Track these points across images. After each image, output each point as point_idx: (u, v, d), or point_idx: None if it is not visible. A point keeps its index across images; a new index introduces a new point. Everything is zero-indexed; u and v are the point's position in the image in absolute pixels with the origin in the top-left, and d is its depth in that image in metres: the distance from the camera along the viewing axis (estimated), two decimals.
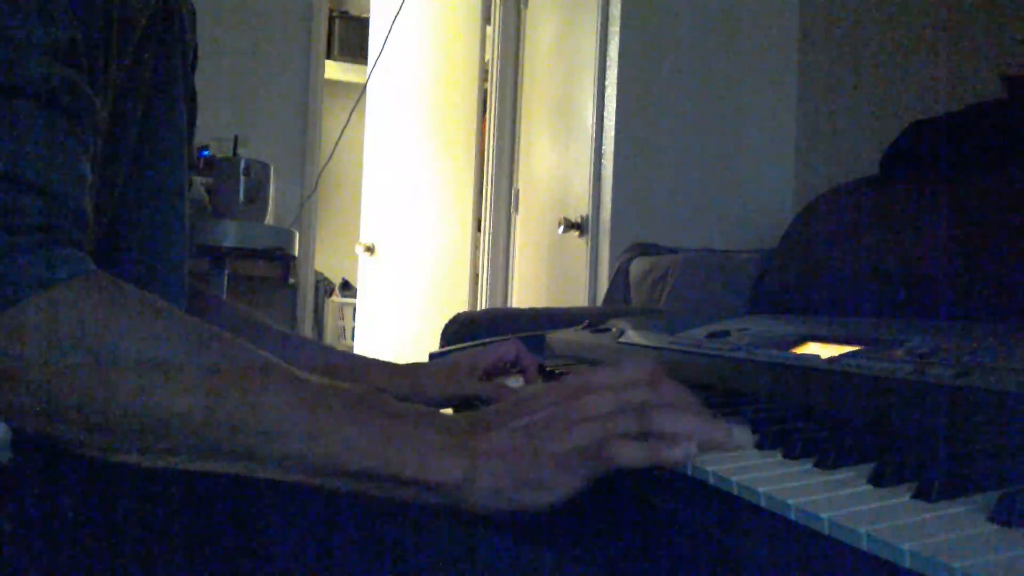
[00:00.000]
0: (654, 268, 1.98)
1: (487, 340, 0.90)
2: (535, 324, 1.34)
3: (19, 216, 0.40)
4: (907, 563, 0.28)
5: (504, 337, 0.87)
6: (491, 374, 0.82)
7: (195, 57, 0.70)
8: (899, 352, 0.53)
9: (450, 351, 1.00)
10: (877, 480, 0.36)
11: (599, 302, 2.30)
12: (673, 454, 0.44)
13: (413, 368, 0.80)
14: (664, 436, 0.45)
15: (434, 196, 3.47)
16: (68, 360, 0.40)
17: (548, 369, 0.83)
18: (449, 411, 0.76)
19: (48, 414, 0.41)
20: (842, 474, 0.39)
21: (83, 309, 0.41)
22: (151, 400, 0.41)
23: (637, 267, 2.08)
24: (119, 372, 0.41)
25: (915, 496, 0.34)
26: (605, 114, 2.43)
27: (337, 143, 2.71)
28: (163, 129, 0.60)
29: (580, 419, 0.46)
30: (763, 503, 0.37)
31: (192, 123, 0.70)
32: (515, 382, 0.80)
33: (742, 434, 0.47)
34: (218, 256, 2.22)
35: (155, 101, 0.59)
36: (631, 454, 0.44)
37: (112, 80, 0.51)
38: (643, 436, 0.45)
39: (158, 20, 0.58)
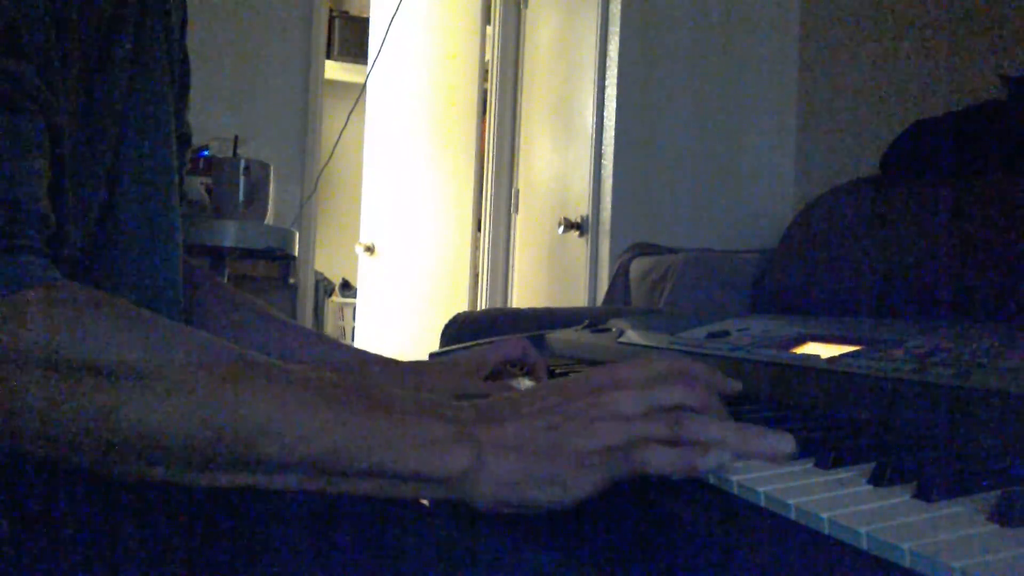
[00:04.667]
0: (654, 268, 1.98)
1: (491, 340, 0.88)
2: (535, 324, 1.34)
3: None
4: (907, 563, 0.28)
5: (509, 337, 0.85)
6: (496, 374, 0.79)
7: (184, 19, 0.67)
8: (899, 352, 0.53)
9: (452, 350, 0.99)
10: (877, 480, 0.36)
11: (599, 302, 2.30)
12: (707, 462, 0.41)
13: (416, 366, 0.78)
14: (697, 442, 0.42)
15: (434, 196, 3.47)
16: (33, 373, 0.37)
17: (556, 370, 0.81)
18: None
19: (12, 433, 0.38)
20: (842, 474, 0.39)
21: (46, 319, 0.38)
22: (122, 412, 0.38)
23: (637, 267, 2.08)
24: (86, 383, 0.38)
25: (915, 496, 0.34)
26: (605, 114, 2.43)
27: (336, 143, 2.71)
28: (149, 105, 0.57)
29: (608, 416, 0.43)
30: (763, 503, 0.37)
31: (185, 88, 0.68)
32: (520, 384, 0.78)
33: (782, 442, 0.42)
34: (218, 256, 2.21)
35: (138, 77, 0.55)
36: (664, 461, 0.41)
37: (75, 64, 0.48)
38: (673, 441, 0.42)
39: None
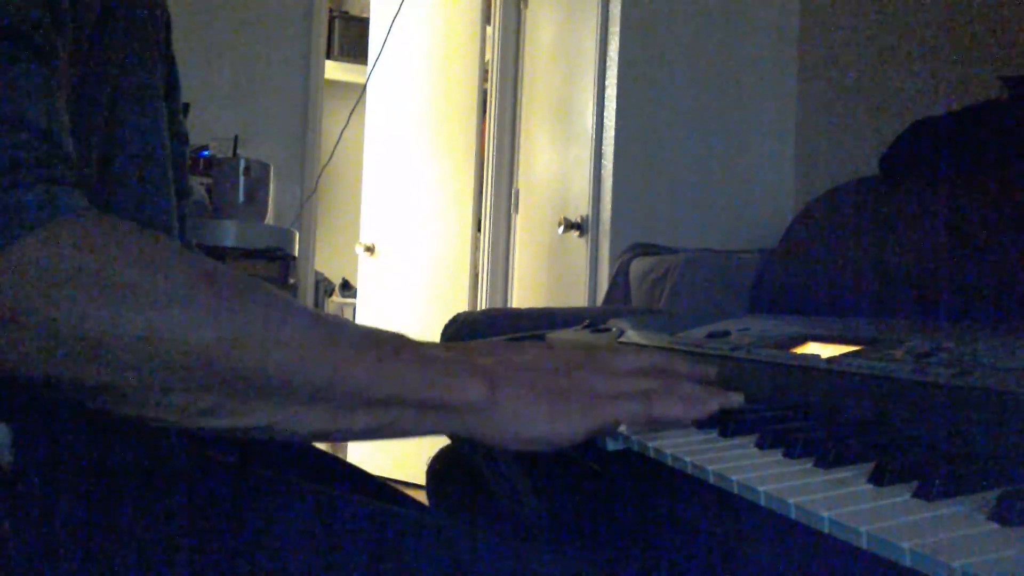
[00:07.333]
0: (654, 268, 1.98)
1: (508, 336, 0.88)
2: (535, 324, 1.34)
3: (19, 153, 0.39)
4: (907, 562, 0.28)
5: (522, 334, 0.85)
6: None
7: (169, 26, 0.68)
8: (899, 352, 0.53)
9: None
10: (877, 479, 0.36)
11: (599, 302, 2.30)
12: (711, 405, 0.50)
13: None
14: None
15: (434, 196, 3.47)
16: (74, 294, 0.38)
17: None
18: None
19: (50, 350, 0.39)
20: (842, 473, 0.39)
21: (87, 243, 0.39)
22: (162, 332, 0.39)
23: (637, 267, 2.08)
24: (127, 304, 0.39)
25: (915, 496, 0.34)
26: (605, 114, 2.43)
27: (337, 143, 2.71)
28: (139, 94, 0.58)
29: (612, 372, 0.51)
30: (763, 502, 0.37)
31: (174, 92, 0.68)
32: None
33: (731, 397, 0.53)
34: (218, 256, 2.22)
35: (125, 71, 0.56)
36: (675, 409, 0.49)
37: (69, 50, 0.49)
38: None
39: None
